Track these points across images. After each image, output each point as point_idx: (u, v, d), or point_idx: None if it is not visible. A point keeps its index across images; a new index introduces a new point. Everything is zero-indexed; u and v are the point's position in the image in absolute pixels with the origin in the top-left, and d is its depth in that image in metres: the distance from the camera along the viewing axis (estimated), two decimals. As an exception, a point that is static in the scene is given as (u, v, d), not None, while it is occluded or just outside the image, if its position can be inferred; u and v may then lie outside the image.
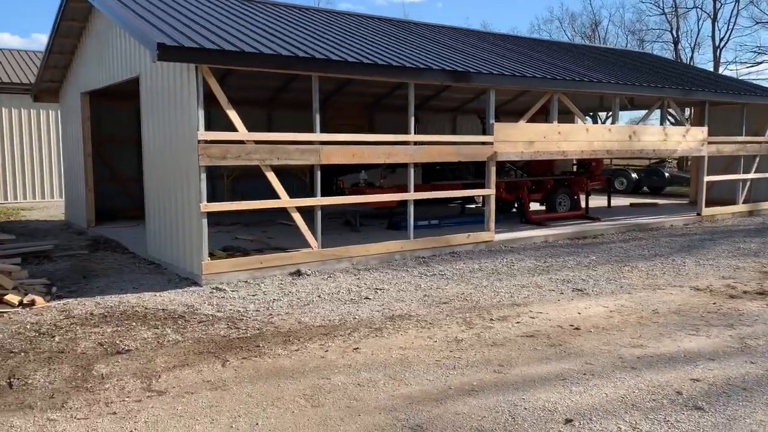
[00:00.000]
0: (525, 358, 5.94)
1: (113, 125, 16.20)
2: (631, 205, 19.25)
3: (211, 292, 8.58)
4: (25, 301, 7.84)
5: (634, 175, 25.91)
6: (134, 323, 7.09)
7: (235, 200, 8.89)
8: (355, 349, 6.22)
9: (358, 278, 9.47)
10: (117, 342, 6.40)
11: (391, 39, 12.94)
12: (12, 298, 7.79)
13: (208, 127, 9.00)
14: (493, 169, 11.89)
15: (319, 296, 8.40)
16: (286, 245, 10.97)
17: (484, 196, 12.36)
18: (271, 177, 9.40)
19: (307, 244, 9.93)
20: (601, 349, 6.20)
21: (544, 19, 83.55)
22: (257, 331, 6.82)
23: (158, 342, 6.43)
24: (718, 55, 43.28)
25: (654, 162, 26.89)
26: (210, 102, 9.03)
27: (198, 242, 8.91)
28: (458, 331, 6.82)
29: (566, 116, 18.01)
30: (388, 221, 13.85)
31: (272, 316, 7.42)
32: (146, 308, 7.76)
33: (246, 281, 9.20)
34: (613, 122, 14.14)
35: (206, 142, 8.74)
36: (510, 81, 11.74)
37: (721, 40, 43.35)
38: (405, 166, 11.24)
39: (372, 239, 11.32)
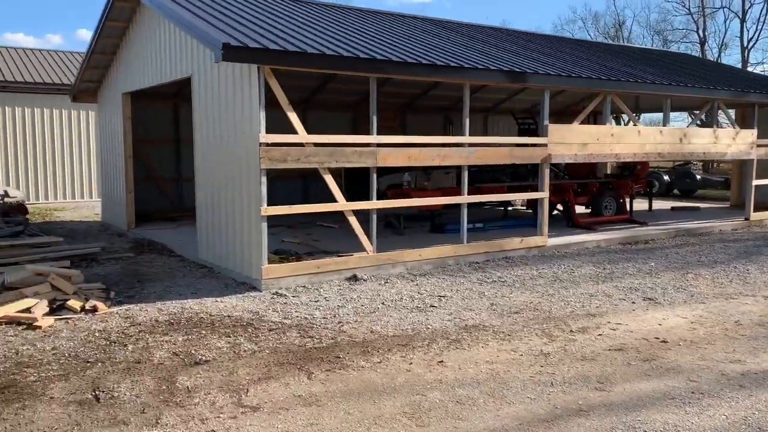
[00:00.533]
0: (622, 374, 5.67)
1: (149, 125, 16.05)
2: (672, 209, 18.88)
3: (272, 298, 8.37)
4: (87, 307, 7.67)
5: (665, 178, 25.47)
6: (203, 331, 6.90)
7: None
8: (439, 362, 5.98)
9: (417, 284, 9.23)
10: (192, 352, 6.20)
11: (441, 39, 12.68)
12: (74, 303, 7.62)
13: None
14: (547, 172, 11.61)
15: (382, 303, 8.17)
16: (332, 248, 10.79)
17: (533, 199, 12.08)
18: (329, 180, 9.19)
19: (355, 248, 9.74)
20: (699, 365, 5.92)
21: (567, 19, 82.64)
22: (332, 341, 6.60)
23: (234, 352, 6.22)
24: (746, 56, 42.66)
25: (679, 164, 26.40)
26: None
27: (257, 246, 8.71)
28: (541, 343, 6.56)
29: (598, 117, 17.77)
30: (431, 224, 13.61)
31: (342, 324, 7.19)
32: (211, 315, 7.57)
33: (304, 286, 8.99)
34: (664, 124, 13.80)
35: (267, 144, 8.54)
36: (566, 82, 11.46)
37: (749, 40, 42.73)
38: (442, 168, 10.91)
39: (417, 243, 11.09)
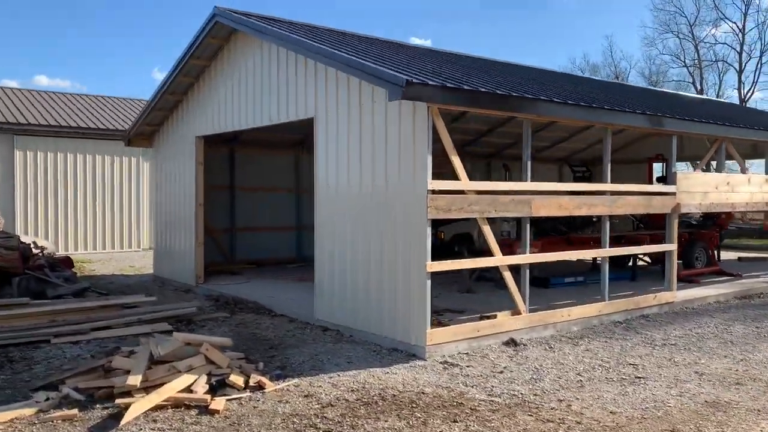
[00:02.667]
0: None
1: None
2: (740, 259, 18.27)
3: (445, 368, 7.29)
4: (251, 383, 6.49)
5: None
6: (417, 414, 5.78)
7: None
8: (744, 452, 4.98)
9: (587, 350, 8.23)
10: (437, 444, 5.09)
11: (567, 84, 12.04)
12: (236, 379, 6.43)
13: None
14: (676, 223, 10.84)
15: (577, 374, 7.15)
16: (457, 306, 9.84)
17: (660, 252, 11.28)
18: (488, 231, 8.24)
19: (496, 306, 8.78)
20: None
21: (566, 69, 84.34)
22: (580, 424, 5.55)
23: (487, 443, 5.13)
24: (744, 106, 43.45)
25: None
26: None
27: (420, 308, 7.66)
28: (826, 424, 5.61)
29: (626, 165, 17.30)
30: (533, 278, 12.65)
31: (562, 402, 6.15)
32: (399, 391, 6.45)
33: (467, 353, 7.92)
34: (767, 172, 13.24)
35: (433, 192, 7.58)
36: (698, 128, 10.83)
37: (747, 92, 43.61)
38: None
39: (533, 300, 10.15)
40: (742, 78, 43.72)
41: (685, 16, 46.82)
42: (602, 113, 9.20)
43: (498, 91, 7.92)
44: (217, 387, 6.36)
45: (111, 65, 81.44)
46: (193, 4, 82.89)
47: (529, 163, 8.68)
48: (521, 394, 6.43)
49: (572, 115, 8.91)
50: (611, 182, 9.78)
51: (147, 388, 6.14)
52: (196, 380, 6.28)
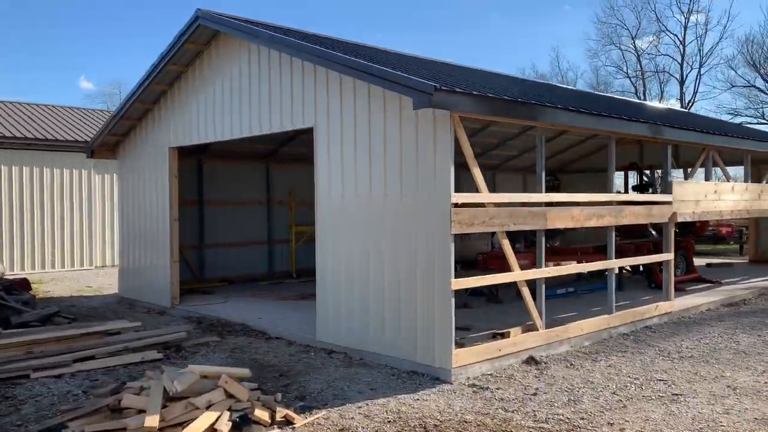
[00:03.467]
0: None
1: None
2: (708, 265, 18.57)
3: (475, 392, 6.86)
4: (278, 418, 5.90)
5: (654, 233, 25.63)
6: (472, 447, 5.33)
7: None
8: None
9: (609, 365, 7.96)
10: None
11: (548, 92, 11.83)
12: (261, 414, 5.83)
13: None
14: (672, 231, 10.78)
15: (613, 393, 6.84)
16: (464, 321, 9.46)
17: (653, 261, 11.19)
18: (506, 245, 7.88)
19: (500, 322, 8.47)
20: None
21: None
22: (648, 452, 5.22)
23: (562, 478, 4.71)
24: (684, 116, 44.91)
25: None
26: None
27: (444, 328, 7.22)
28: None
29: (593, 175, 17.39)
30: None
31: (614, 426, 5.82)
32: (438, 420, 5.99)
33: (490, 374, 7.51)
34: (746, 181, 13.42)
35: (456, 205, 7.17)
36: (693, 137, 10.83)
37: (688, 102, 45.10)
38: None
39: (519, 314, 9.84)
40: (684, 88, 45.26)
41: (627, 29, 48.23)
42: (612, 122, 9.01)
43: (520, 99, 7.59)
44: (242, 424, 5.73)
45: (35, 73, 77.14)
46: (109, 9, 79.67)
47: (543, 174, 8.38)
48: (568, 418, 6.07)
49: (585, 123, 8.67)
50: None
51: (163, 429, 5.48)
52: (219, 417, 5.64)
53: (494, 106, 7.35)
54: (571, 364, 8.00)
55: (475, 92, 7.08)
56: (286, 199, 16.44)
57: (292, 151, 15.79)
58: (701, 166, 11.93)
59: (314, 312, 8.97)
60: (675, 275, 14.02)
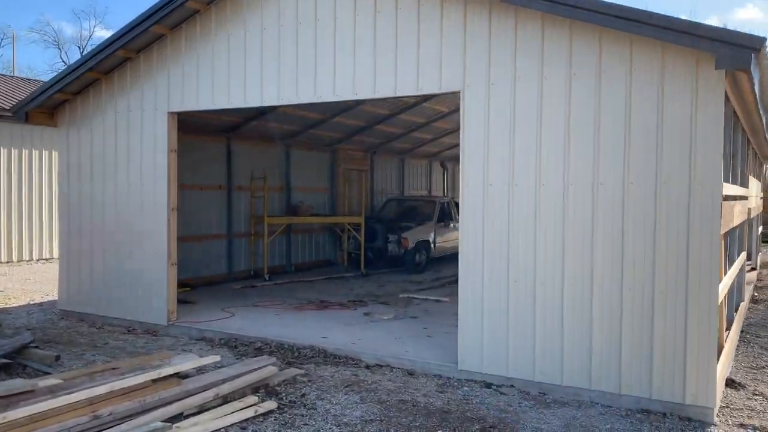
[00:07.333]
0: None
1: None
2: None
3: (764, 436, 5.39)
4: None
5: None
6: None
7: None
8: None
9: None
10: None
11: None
12: None
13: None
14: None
15: None
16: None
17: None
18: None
19: None
20: None
21: None
22: None
23: None
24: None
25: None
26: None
27: (705, 354, 5.63)
28: None
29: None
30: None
31: None
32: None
33: (726, 405, 6.07)
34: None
35: (725, 198, 5.62)
36: None
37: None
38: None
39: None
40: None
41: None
42: None
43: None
44: None
45: None
46: None
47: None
48: None
49: None
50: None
51: None
52: None
53: None
54: (776, 386, 6.84)
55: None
56: (248, 185, 13.60)
57: (261, 126, 13.07)
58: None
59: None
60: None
